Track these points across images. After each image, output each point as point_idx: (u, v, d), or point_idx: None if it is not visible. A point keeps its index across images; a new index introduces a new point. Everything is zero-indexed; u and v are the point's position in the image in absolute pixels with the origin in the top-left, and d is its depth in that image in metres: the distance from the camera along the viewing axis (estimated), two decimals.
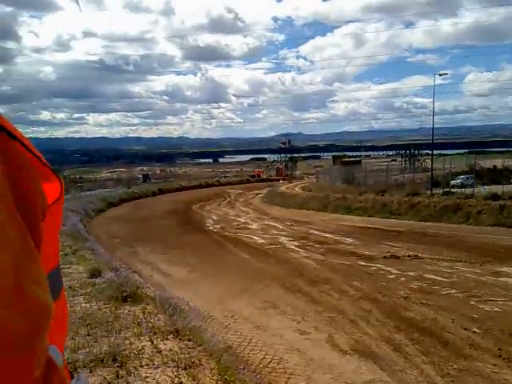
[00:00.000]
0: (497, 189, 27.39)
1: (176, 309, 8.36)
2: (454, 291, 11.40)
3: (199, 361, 5.86)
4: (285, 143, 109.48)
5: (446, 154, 72.44)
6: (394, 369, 7.18)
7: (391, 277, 13.30)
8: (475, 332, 8.55)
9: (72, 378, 0.82)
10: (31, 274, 0.58)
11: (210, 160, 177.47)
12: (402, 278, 13.03)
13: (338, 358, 7.78)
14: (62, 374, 0.67)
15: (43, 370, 0.61)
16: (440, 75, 39.09)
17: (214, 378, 5.43)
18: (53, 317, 0.61)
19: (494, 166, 46.38)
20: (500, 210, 22.94)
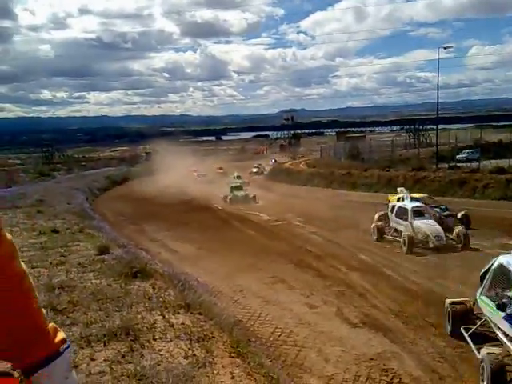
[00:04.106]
0: (503, 163, 27.24)
1: (185, 284, 8.39)
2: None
3: (211, 334, 5.87)
4: (288, 119, 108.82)
5: (451, 129, 71.84)
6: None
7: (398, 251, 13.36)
8: None
9: None
10: None
11: (213, 138, 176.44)
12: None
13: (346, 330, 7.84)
14: None
15: None
16: (445, 48, 38.36)
17: (227, 350, 5.45)
18: None
19: (500, 140, 45.97)
20: (506, 183, 22.83)
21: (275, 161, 60.42)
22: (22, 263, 1.14)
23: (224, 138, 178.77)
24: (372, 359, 6.64)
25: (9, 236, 1.10)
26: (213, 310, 7.26)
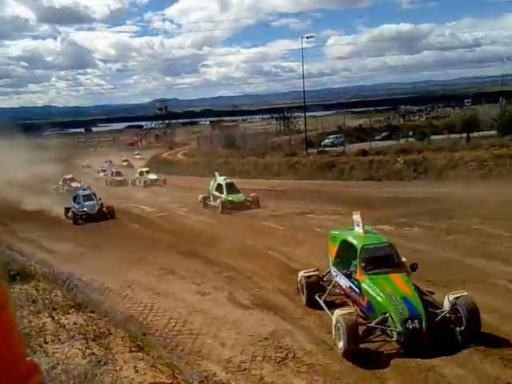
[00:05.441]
0: (364, 145, 29.72)
1: (71, 284, 8.04)
2: None
3: (108, 331, 5.75)
4: (161, 109, 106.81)
5: (317, 116, 76.33)
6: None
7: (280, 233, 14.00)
8: None
9: None
10: None
11: (82, 129, 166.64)
12: (289, 232, 13.76)
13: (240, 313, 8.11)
14: None
15: None
16: (307, 38, 40.10)
17: (127, 345, 5.38)
18: None
19: (360, 125, 50.12)
20: (369, 165, 24.95)
21: (110, 162, 47.73)
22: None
23: (94, 129, 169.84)
24: (266, 338, 6.96)
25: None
26: (104, 308, 7.07)
